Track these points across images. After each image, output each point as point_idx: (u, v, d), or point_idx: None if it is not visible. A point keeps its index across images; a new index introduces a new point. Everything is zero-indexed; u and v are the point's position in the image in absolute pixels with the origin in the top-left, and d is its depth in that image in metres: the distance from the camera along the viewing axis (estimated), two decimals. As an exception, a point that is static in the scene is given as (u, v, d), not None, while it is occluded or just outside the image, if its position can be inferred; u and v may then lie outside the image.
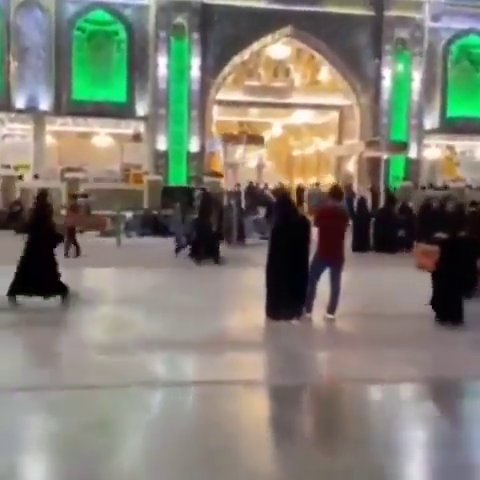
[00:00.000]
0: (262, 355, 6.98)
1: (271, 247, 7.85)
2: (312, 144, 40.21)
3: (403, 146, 26.56)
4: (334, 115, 34.96)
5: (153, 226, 21.75)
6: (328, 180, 35.79)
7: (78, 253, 15.01)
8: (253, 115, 36.25)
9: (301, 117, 36.40)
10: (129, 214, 23.23)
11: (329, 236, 7.48)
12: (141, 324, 8.07)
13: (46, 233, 8.94)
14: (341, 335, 7.61)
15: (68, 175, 25.17)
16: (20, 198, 24.64)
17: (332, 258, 7.58)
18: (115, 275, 12.80)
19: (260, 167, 36.89)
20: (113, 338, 7.45)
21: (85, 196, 16.50)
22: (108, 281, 12.06)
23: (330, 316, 7.76)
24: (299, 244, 7.55)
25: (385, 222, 17.23)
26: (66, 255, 14.30)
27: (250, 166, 33.38)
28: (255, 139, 24.96)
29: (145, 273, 12.43)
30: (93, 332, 7.80)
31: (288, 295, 7.46)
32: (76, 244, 15.14)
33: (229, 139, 24.60)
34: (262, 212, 25.03)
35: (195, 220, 15.55)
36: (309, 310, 7.71)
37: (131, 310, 8.83)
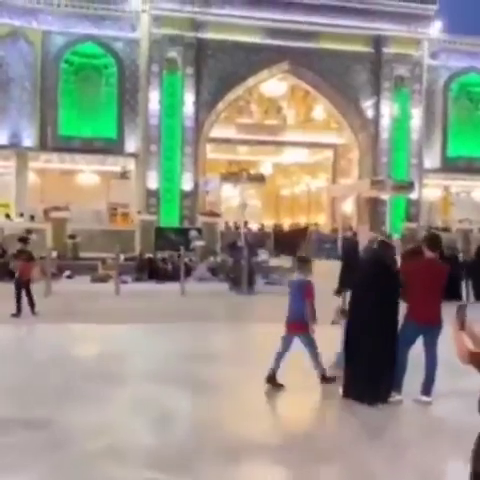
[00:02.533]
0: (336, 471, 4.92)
1: (354, 306, 6.26)
2: (302, 183, 39.19)
3: (408, 186, 25.46)
4: (327, 154, 33.97)
5: (149, 270, 19.99)
6: (321, 220, 34.68)
7: (32, 311, 11.51)
8: (242, 153, 35.02)
9: (293, 155, 35.29)
10: (120, 257, 21.44)
11: (425, 295, 5.96)
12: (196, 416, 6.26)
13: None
14: (445, 429, 5.65)
15: (54, 215, 23.39)
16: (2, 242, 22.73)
17: (429, 323, 6.03)
18: (135, 334, 10.39)
19: (243, 206, 35.23)
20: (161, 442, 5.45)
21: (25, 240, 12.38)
22: (131, 343, 9.75)
23: (425, 398, 6.11)
24: (390, 304, 6.01)
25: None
26: (16, 314, 11.16)
27: (231, 205, 31.89)
28: (256, 177, 23.58)
29: (167, 330, 10.49)
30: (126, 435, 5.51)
31: (374, 370, 5.89)
32: (30, 299, 11.57)
33: (228, 177, 23.21)
34: (263, 254, 23.52)
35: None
36: (399, 390, 6.09)
37: (176, 391, 6.88)
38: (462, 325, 3.32)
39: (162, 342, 9.73)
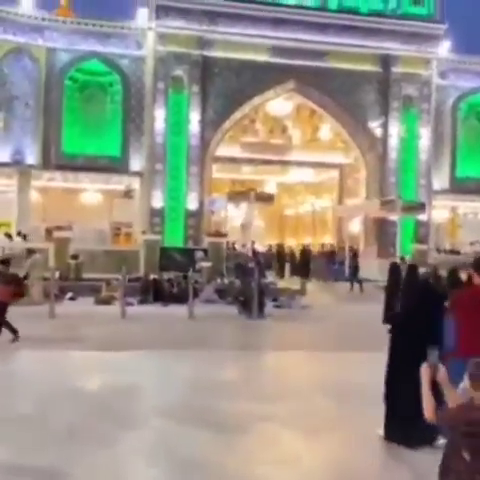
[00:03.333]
0: None
1: (398, 335, 5.66)
2: (306, 203, 38.72)
3: (419, 206, 24.93)
4: (333, 174, 33.52)
5: (154, 292, 19.38)
6: (326, 240, 34.14)
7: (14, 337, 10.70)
8: (246, 172, 34.55)
9: (298, 175, 34.87)
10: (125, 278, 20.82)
11: (474, 330, 5.38)
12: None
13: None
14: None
15: (57, 234, 22.83)
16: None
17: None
18: (144, 363, 9.69)
19: (246, 226, 34.59)
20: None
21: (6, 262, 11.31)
22: (140, 373, 8.98)
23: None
24: (439, 336, 5.43)
25: None
26: (15, 338, 10.54)
27: (234, 225, 31.29)
28: (264, 197, 23.05)
29: (178, 358, 9.90)
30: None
31: (420, 408, 5.28)
32: (8, 326, 10.70)
33: (234, 196, 22.69)
34: (270, 275, 22.97)
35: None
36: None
37: (195, 432, 6.28)
38: (433, 372, 3.03)
39: (174, 372, 9.10)
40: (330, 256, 26.78)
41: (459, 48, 29.48)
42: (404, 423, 5.51)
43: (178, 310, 16.62)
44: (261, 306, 16.22)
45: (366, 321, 15.91)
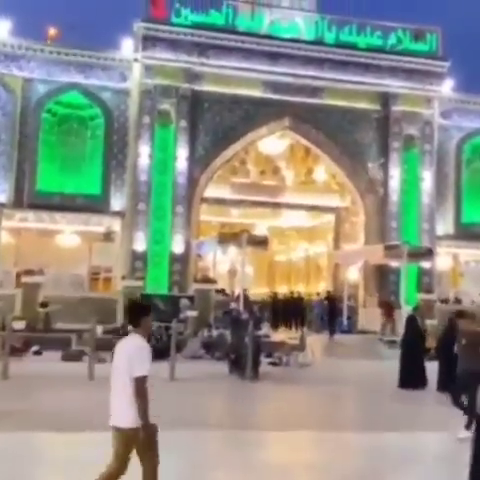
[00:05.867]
0: None
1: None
2: (299, 248, 36.68)
3: (427, 252, 22.93)
4: (328, 217, 31.53)
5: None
6: (320, 288, 31.94)
7: None
8: (235, 215, 32.43)
9: (291, 219, 32.87)
10: (98, 329, 18.38)
11: None
12: None
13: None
14: None
15: (25, 279, 20.54)
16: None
17: None
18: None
19: (232, 272, 32.29)
20: None
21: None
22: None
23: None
24: None
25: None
26: None
27: (220, 271, 28.96)
28: (257, 240, 20.93)
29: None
30: None
31: None
32: None
33: (225, 239, 20.56)
34: (264, 326, 20.67)
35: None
36: None
37: None
38: None
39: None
40: (331, 305, 24.54)
41: (463, 87, 28.05)
42: None
43: (158, 368, 14.22)
44: (256, 365, 13.93)
45: (377, 383, 13.77)
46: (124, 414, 4.87)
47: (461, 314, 10.13)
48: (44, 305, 19.70)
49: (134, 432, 4.85)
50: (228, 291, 25.46)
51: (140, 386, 4.78)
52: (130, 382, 4.80)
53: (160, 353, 15.59)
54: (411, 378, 12.71)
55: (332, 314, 24.01)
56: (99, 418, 8.82)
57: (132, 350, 4.87)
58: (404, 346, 13.43)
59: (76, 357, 15.45)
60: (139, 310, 5.15)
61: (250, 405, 11.00)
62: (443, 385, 11.23)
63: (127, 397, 4.83)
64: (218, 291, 23.96)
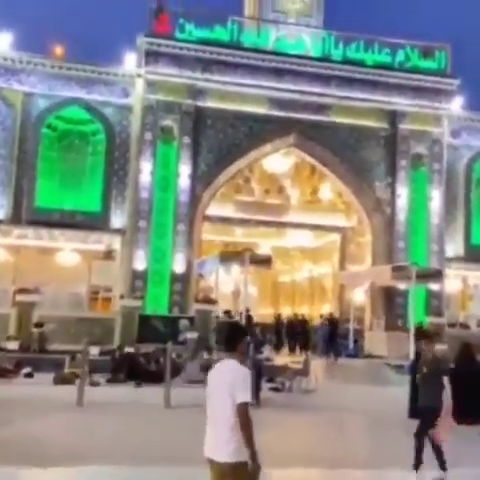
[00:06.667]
0: None
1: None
2: (303, 269, 35.93)
3: (437, 274, 22.18)
4: (333, 237, 30.85)
5: (128, 368, 16.24)
6: (325, 310, 31.14)
7: None
8: (238, 235, 31.77)
9: (295, 239, 32.16)
10: (95, 351, 17.67)
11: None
12: None
13: None
14: None
15: (20, 297, 19.90)
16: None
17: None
18: None
19: (236, 293, 31.57)
20: None
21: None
22: None
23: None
24: None
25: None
26: None
27: (224, 291, 28.22)
28: (260, 259, 20.25)
29: None
30: None
31: None
32: None
33: (228, 258, 19.88)
34: (266, 349, 19.92)
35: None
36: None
37: None
38: None
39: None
40: (332, 328, 23.80)
41: (472, 105, 27.45)
42: None
43: (154, 393, 13.58)
44: (256, 390, 13.16)
45: (385, 411, 13.02)
46: (224, 447, 4.41)
47: (422, 334, 9.31)
48: (38, 325, 19.02)
49: (232, 467, 4.33)
50: (233, 312, 24.75)
51: (244, 413, 4.34)
52: (231, 411, 4.35)
53: (158, 376, 14.90)
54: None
55: (332, 337, 23.27)
56: (85, 450, 8.13)
57: (232, 377, 4.41)
58: (413, 373, 12.64)
59: (68, 380, 14.71)
60: (238, 334, 4.72)
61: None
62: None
63: (227, 429, 4.39)
64: (224, 312, 23.28)
